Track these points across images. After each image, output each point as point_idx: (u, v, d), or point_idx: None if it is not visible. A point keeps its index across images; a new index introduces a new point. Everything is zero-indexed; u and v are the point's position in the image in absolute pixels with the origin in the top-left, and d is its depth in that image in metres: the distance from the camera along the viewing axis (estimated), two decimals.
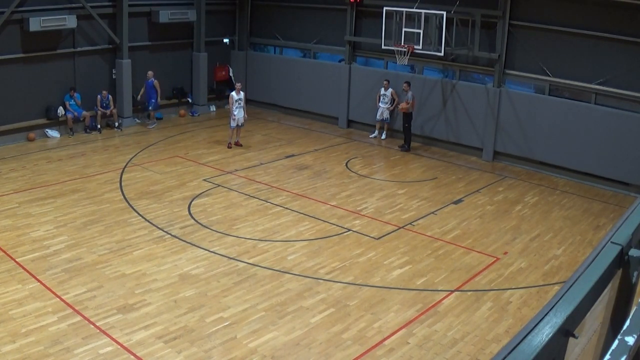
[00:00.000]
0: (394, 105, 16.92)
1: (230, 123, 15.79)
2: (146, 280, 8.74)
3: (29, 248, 9.53)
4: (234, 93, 15.71)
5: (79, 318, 7.58)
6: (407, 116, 16.23)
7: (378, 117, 17.20)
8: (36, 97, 15.79)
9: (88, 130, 16.84)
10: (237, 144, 16.01)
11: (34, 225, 10.44)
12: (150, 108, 17.68)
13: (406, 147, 16.35)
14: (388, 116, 17.09)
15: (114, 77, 17.64)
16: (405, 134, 16.44)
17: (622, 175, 13.72)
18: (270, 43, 20.64)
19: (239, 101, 15.60)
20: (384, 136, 17.37)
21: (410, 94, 16.09)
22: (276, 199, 12.39)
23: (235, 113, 15.56)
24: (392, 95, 16.87)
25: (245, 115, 15.95)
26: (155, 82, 17.45)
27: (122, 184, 12.88)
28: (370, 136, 17.57)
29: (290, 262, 9.55)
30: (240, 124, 15.78)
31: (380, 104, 17.06)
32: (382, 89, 16.98)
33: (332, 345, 7.36)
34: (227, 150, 15.76)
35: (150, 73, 17.33)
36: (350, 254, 9.95)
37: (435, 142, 16.82)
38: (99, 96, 16.88)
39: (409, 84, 16.21)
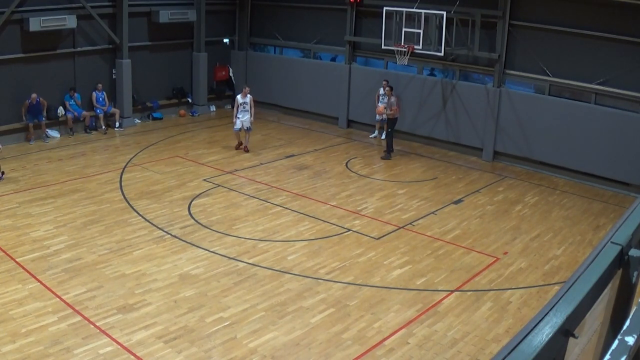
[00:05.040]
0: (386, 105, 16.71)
1: (234, 126, 15.51)
2: (146, 280, 8.74)
3: (29, 248, 9.53)
4: (239, 96, 15.50)
5: (79, 318, 7.58)
6: (391, 121, 15.54)
7: (377, 117, 17.16)
8: (38, 97, 15.77)
9: (88, 130, 16.85)
10: (245, 149, 15.59)
11: (34, 225, 10.44)
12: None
13: (388, 156, 15.57)
14: (377, 112, 16.95)
15: (114, 77, 17.65)
16: (387, 139, 15.83)
17: (622, 175, 13.72)
18: (270, 43, 20.64)
19: (244, 104, 15.32)
20: (383, 136, 17.33)
21: (393, 99, 15.43)
22: (276, 199, 12.39)
23: (240, 117, 15.30)
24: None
25: (251, 119, 15.40)
26: (41, 100, 15.59)
27: (122, 184, 12.88)
28: (370, 136, 17.57)
29: (290, 262, 9.55)
30: (246, 128, 15.42)
31: (379, 104, 17.00)
32: (381, 89, 16.93)
33: (332, 345, 7.36)
34: (227, 150, 15.74)
35: (33, 96, 15.33)
36: (350, 254, 9.95)
37: (435, 142, 16.82)
38: (94, 93, 16.90)
39: (391, 88, 15.62)
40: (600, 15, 13.70)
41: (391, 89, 15.64)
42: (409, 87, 16.97)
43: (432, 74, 17.07)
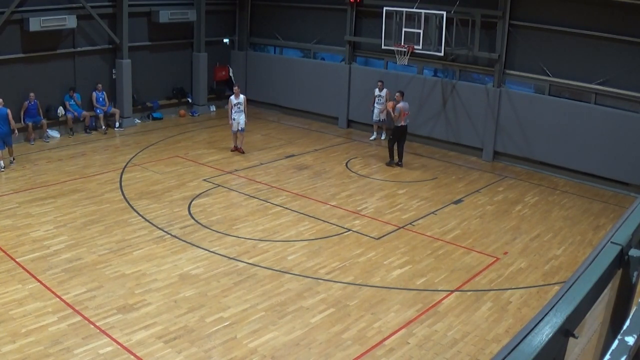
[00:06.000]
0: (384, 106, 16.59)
1: (231, 128, 15.41)
2: (146, 280, 8.74)
3: (29, 248, 9.53)
4: (232, 97, 15.34)
5: (79, 318, 7.58)
6: (395, 129, 14.72)
7: (375, 118, 17.02)
8: (36, 97, 15.77)
9: (88, 131, 16.85)
10: (239, 151, 15.46)
11: (34, 225, 10.44)
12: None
13: (396, 163, 14.85)
14: (385, 117, 16.84)
15: (114, 77, 17.65)
16: (388, 146, 15.12)
17: (622, 175, 13.72)
18: (270, 43, 20.64)
19: (238, 105, 15.15)
20: (383, 136, 17.26)
21: (400, 105, 14.41)
22: (276, 199, 12.39)
23: (236, 117, 15.14)
24: (387, 95, 16.69)
25: (245, 120, 15.35)
26: (38, 101, 15.49)
27: (122, 184, 12.88)
28: (371, 138, 17.44)
29: (290, 262, 9.55)
30: (240, 129, 15.30)
31: (376, 105, 16.89)
32: (377, 89, 16.78)
33: (332, 345, 7.36)
34: (227, 150, 15.70)
35: (32, 95, 14.83)
36: (350, 254, 9.95)
37: (435, 142, 16.81)
38: (94, 93, 16.91)
39: (402, 93, 14.66)
40: (600, 15, 13.69)
41: (402, 94, 14.64)
42: (409, 87, 16.90)
43: (436, 75, 16.95)
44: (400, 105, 14.44)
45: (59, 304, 7.89)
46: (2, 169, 13.29)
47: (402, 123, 14.55)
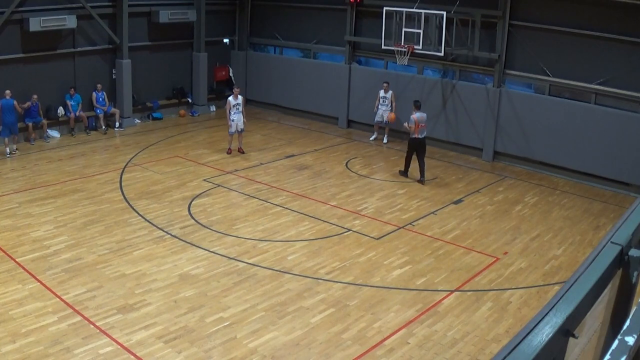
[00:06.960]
0: (393, 110, 16.55)
1: (229, 129, 15.33)
2: (146, 280, 8.74)
3: (29, 248, 9.53)
4: (231, 98, 15.26)
5: (79, 318, 7.58)
6: (409, 142, 13.84)
7: (377, 119, 16.96)
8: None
9: (88, 131, 16.85)
10: (240, 151, 15.45)
11: (34, 225, 10.44)
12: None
13: (418, 179, 13.77)
14: (387, 119, 16.79)
15: (114, 77, 17.65)
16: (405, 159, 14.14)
17: (622, 175, 13.72)
18: (270, 43, 20.64)
19: (237, 106, 15.11)
20: (385, 140, 17.15)
21: (414, 115, 13.50)
22: (276, 199, 12.39)
23: (235, 118, 15.14)
24: (392, 97, 16.67)
25: (245, 120, 15.42)
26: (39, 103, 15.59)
27: (122, 184, 12.88)
28: (371, 139, 17.41)
29: (290, 262, 9.55)
30: (240, 130, 15.30)
31: (380, 107, 16.85)
32: (382, 91, 16.74)
33: (332, 345, 7.37)
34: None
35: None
36: (350, 254, 9.95)
37: (435, 142, 16.79)
38: (94, 93, 16.91)
39: (417, 105, 13.78)
40: (600, 15, 13.70)
41: (416, 105, 13.78)
42: (409, 87, 16.96)
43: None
44: (414, 116, 13.47)
45: (59, 304, 7.89)
46: (10, 154, 14.38)
47: (417, 135, 13.50)
